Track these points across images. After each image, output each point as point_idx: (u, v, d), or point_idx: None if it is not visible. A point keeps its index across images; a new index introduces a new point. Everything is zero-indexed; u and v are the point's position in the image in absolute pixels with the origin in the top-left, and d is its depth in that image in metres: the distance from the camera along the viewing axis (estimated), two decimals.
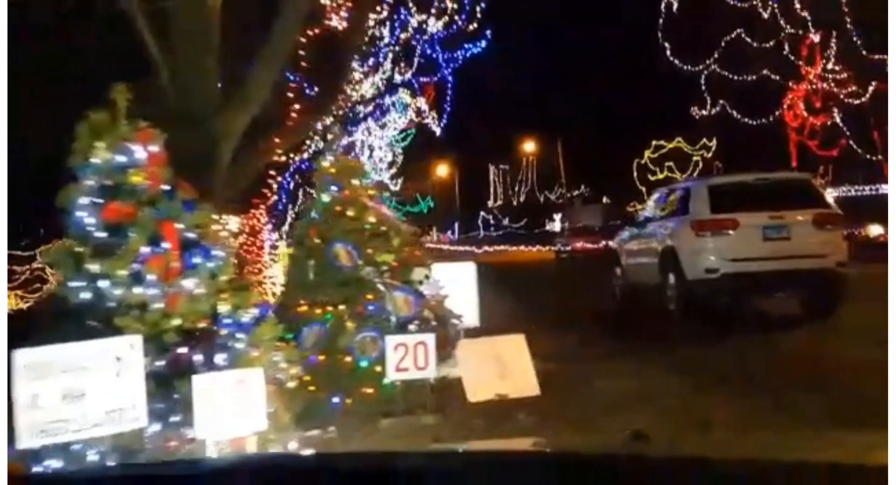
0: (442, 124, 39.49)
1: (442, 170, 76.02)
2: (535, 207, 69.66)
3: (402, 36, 18.26)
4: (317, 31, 11.66)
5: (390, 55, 19.96)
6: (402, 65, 23.42)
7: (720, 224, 10.45)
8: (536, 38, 53.78)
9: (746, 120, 29.13)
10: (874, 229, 21.26)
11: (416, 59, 19.99)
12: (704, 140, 53.85)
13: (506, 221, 77.20)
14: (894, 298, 15.08)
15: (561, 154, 58.43)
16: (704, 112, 29.29)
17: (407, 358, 5.67)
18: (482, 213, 79.83)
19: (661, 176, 56.90)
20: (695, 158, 55.14)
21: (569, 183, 68.16)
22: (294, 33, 9.86)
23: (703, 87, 28.40)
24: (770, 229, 10.31)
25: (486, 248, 46.12)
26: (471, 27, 19.92)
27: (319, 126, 14.46)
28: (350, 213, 6.45)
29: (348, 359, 5.93)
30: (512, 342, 6.77)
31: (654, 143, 54.81)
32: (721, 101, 28.79)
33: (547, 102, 56.00)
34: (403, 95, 28.34)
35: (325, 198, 6.62)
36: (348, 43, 12.70)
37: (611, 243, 14.71)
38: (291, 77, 12.95)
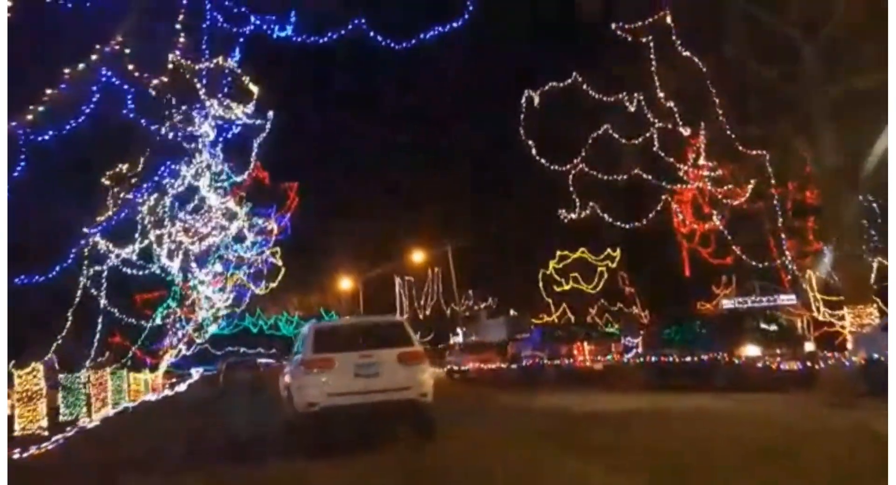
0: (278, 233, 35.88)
1: (346, 283, 72.37)
2: (442, 321, 66.24)
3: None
4: None
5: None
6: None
7: (319, 363, 11.77)
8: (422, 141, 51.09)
9: (620, 224, 26.05)
10: (750, 350, 17.73)
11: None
12: (609, 250, 51.56)
13: (416, 335, 73.53)
14: (894, 301, 15.38)
15: (452, 264, 55.49)
16: (573, 216, 26.18)
17: None
18: None
19: (566, 287, 54.24)
20: (599, 269, 52.73)
21: (477, 295, 65.29)
22: None
23: (571, 189, 25.40)
24: (361, 367, 11.61)
25: None
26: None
27: None
28: None
29: None
30: None
31: (558, 253, 52.40)
32: (591, 204, 25.77)
33: (443, 209, 53.28)
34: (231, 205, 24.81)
35: None
36: None
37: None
38: None
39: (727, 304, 32.02)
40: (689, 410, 14.27)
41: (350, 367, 11.64)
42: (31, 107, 10.95)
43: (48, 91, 11.88)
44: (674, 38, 21.38)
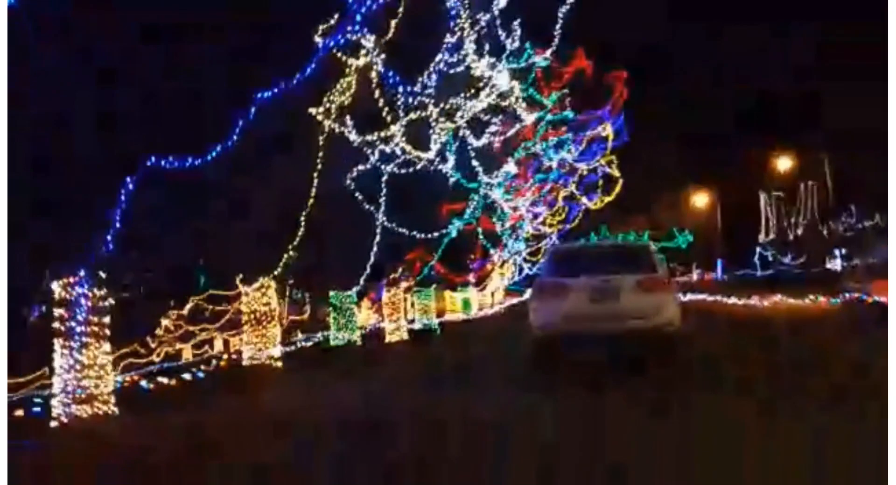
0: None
1: (700, 199, 64.81)
2: (816, 242, 56.56)
3: None
4: None
5: None
6: None
7: (554, 286, 11.62)
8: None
9: None
10: None
11: None
12: None
13: (786, 258, 64.52)
14: (894, 299, 16.68)
15: (830, 175, 45.54)
16: None
17: None
18: (758, 249, 67.55)
19: None
20: None
21: (861, 211, 54.73)
22: None
23: None
24: (597, 292, 11.24)
25: (721, 297, 34.86)
26: None
27: None
28: None
29: None
30: None
31: None
32: None
33: (816, 104, 43.67)
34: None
35: None
36: None
37: None
38: None
39: None
40: None
41: (585, 292, 11.20)
42: None
43: None
44: None
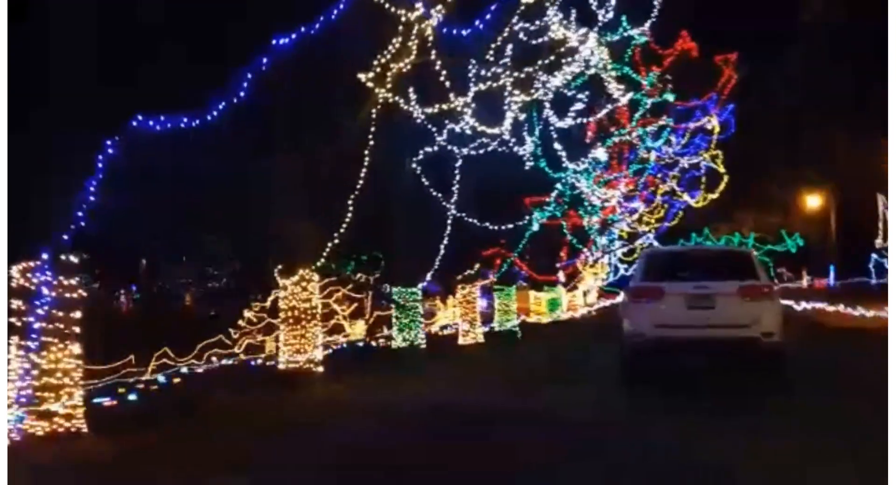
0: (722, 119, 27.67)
1: (813, 201, 60.23)
2: None
3: None
4: None
5: None
6: None
7: (648, 292, 11.10)
8: None
9: None
10: None
11: None
12: None
13: None
14: (894, 298, 17.43)
15: None
16: None
17: None
18: (874, 255, 62.56)
19: None
20: None
21: None
22: None
23: None
24: (694, 299, 10.74)
25: (844, 307, 31.40)
26: None
27: None
28: None
29: None
30: None
31: None
32: None
33: None
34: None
35: None
36: None
37: None
38: None
39: None
40: None
41: (682, 298, 10.66)
42: None
43: None
44: None
